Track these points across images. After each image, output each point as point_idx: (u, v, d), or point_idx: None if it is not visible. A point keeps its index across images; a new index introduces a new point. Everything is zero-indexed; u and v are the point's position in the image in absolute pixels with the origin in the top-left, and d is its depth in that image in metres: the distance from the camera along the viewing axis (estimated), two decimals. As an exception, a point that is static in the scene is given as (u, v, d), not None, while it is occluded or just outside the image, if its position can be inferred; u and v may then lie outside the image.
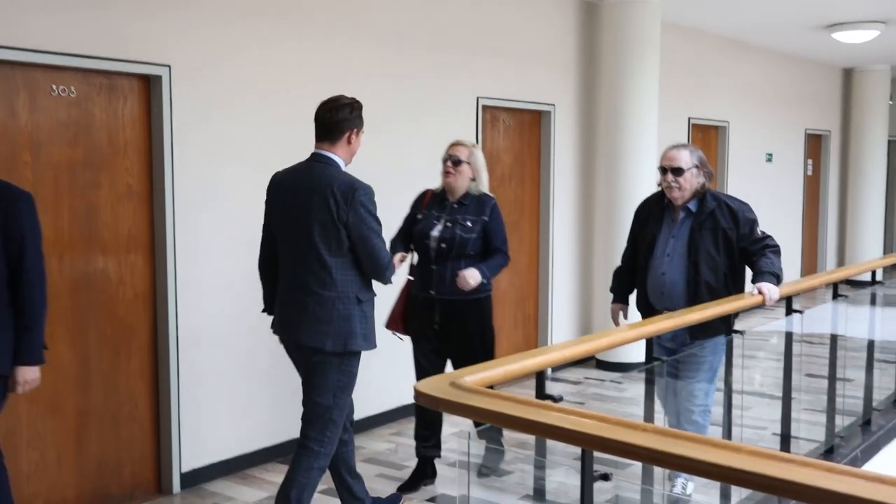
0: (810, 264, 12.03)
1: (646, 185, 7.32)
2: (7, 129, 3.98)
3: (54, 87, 4.13)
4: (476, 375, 2.65)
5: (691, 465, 1.95)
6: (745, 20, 8.60)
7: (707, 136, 9.57)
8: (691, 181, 4.17)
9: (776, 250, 4.16)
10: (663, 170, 4.21)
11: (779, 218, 10.95)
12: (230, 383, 4.88)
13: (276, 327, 3.81)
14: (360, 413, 5.43)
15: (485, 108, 6.55)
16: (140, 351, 4.55)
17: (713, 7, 8.00)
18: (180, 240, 4.58)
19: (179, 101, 4.53)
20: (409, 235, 4.52)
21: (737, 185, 9.91)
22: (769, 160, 10.70)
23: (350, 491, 3.99)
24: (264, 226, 3.82)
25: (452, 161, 4.44)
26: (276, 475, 4.88)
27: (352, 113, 3.61)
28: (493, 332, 4.58)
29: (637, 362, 7.25)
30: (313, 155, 3.67)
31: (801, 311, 4.69)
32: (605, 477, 2.34)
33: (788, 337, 4.60)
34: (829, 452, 4.85)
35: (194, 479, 4.71)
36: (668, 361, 4.08)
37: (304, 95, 5.17)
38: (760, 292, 3.97)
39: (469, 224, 4.38)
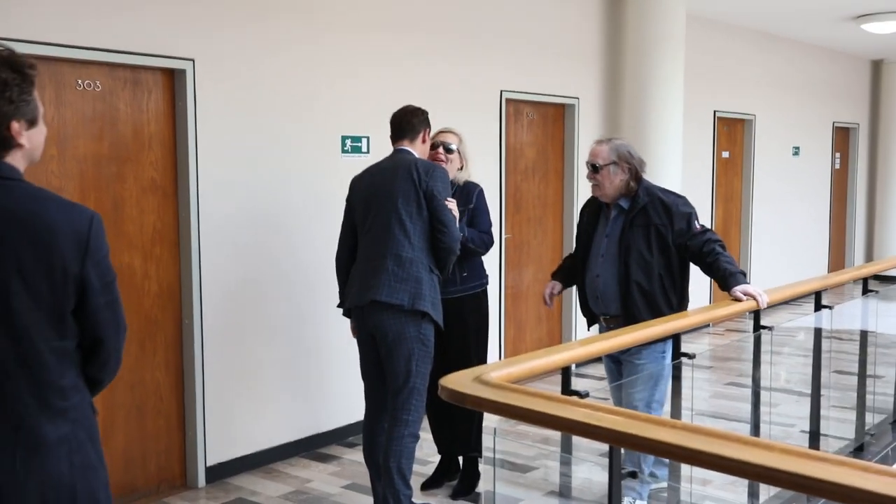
0: (837, 259, 11.88)
1: (670, 179, 7.25)
2: (33, 123, 4.00)
3: (80, 81, 4.15)
4: (501, 371, 2.63)
5: (722, 463, 1.92)
6: (772, 10, 8.49)
7: (733, 130, 9.47)
8: (610, 178, 3.92)
9: (723, 244, 3.87)
10: (587, 166, 4.04)
11: (805, 212, 10.83)
12: (255, 378, 4.89)
13: (352, 300, 3.96)
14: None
15: (508, 101, 6.51)
16: (165, 345, 4.57)
17: (740, -2, 7.90)
18: (205, 233, 4.59)
19: (203, 95, 4.54)
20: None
21: (763, 180, 9.81)
22: (796, 154, 10.58)
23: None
24: (344, 221, 4.11)
25: (446, 148, 4.33)
26: (300, 469, 4.89)
27: (422, 117, 4.10)
28: (488, 329, 4.54)
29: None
30: (396, 149, 4.06)
31: (830, 307, 4.62)
32: (633, 474, 2.31)
33: (817, 333, 4.53)
34: (858, 450, 4.78)
35: (219, 473, 4.72)
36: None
37: (326, 89, 5.18)
38: (748, 295, 3.69)
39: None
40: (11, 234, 1.86)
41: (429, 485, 4.60)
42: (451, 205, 3.95)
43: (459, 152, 4.38)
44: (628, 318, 3.86)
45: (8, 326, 1.88)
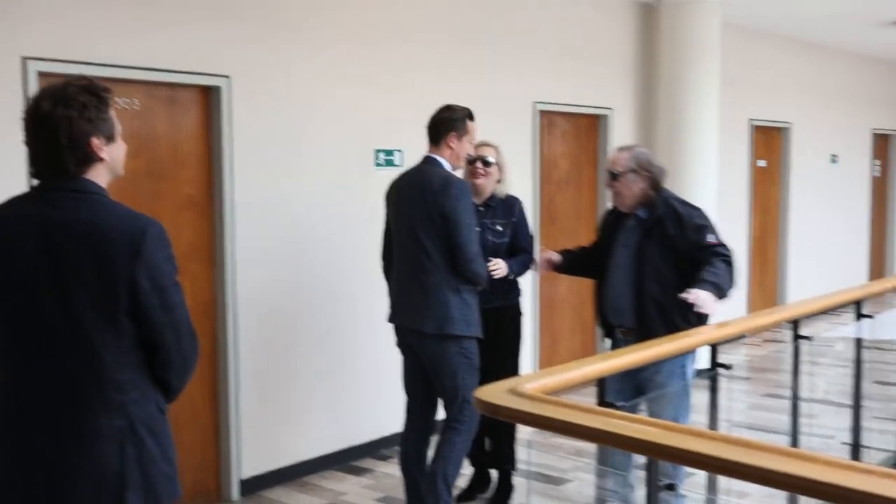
0: (878, 268, 11.67)
1: (707, 190, 7.18)
2: (72, 140, 4.06)
3: (119, 99, 4.21)
4: (536, 382, 2.60)
5: (764, 476, 1.88)
6: (808, 17, 8.39)
7: (769, 138, 9.36)
8: (628, 186, 3.85)
9: (727, 260, 3.68)
10: (607, 174, 3.97)
11: (844, 221, 10.67)
12: (289, 391, 4.90)
13: (390, 314, 4.01)
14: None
15: (542, 112, 6.50)
16: (200, 359, 4.57)
17: (775, 5, 7.81)
18: (240, 249, 4.62)
19: (239, 112, 4.58)
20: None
21: (800, 188, 9.69)
22: (834, 162, 10.43)
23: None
24: (385, 228, 4.10)
25: (484, 162, 4.30)
26: (334, 482, 4.89)
27: (449, 117, 3.88)
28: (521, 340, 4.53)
29: (697, 368, 7.10)
30: (424, 157, 3.94)
31: (871, 316, 4.53)
32: (671, 487, 2.28)
33: (858, 343, 4.45)
34: (902, 463, 4.68)
35: (254, 486, 4.74)
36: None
37: (362, 104, 5.21)
38: (693, 298, 3.48)
39: (500, 228, 4.31)
40: (74, 241, 2.07)
41: (462, 498, 4.58)
42: (494, 266, 3.95)
43: (498, 164, 4.37)
44: (643, 330, 3.75)
45: (70, 325, 2.08)
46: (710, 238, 3.75)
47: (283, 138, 4.83)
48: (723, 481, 3.58)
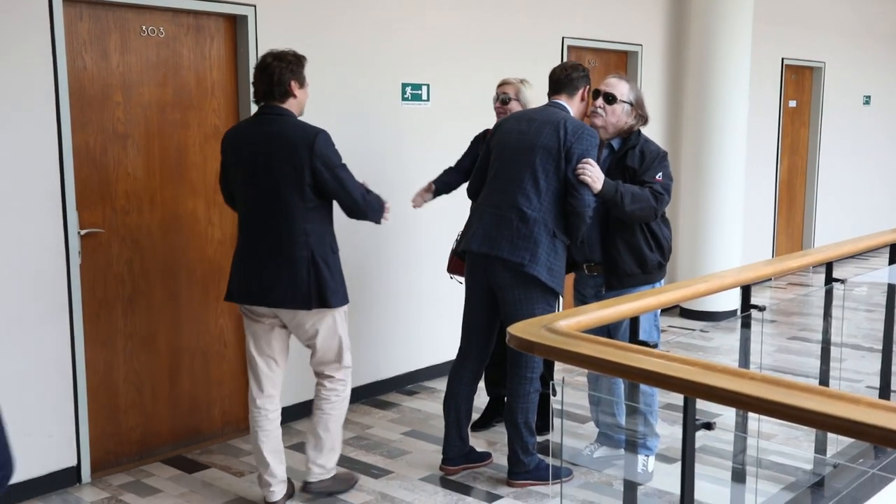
0: (906, 213, 11.51)
1: (737, 128, 7.05)
2: (100, 69, 4.02)
3: (144, 27, 4.14)
4: (570, 320, 2.58)
5: (806, 416, 1.85)
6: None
7: (801, 77, 9.15)
8: (620, 115, 3.89)
9: (655, 195, 3.78)
10: (597, 93, 3.94)
11: (876, 162, 10.49)
12: (315, 324, 4.91)
13: (468, 244, 3.87)
14: (439, 357, 5.45)
15: (570, 48, 6.36)
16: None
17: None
18: (267, 181, 4.58)
19: (265, 42, 4.49)
20: (466, 172, 4.44)
21: (832, 129, 9.51)
22: (867, 103, 10.21)
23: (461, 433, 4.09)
24: (482, 156, 4.06)
25: (501, 101, 4.38)
26: (361, 416, 4.94)
27: (585, 73, 3.96)
28: None
29: (721, 311, 7.09)
30: (550, 102, 3.94)
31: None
32: (708, 426, 2.26)
33: (891, 288, 4.39)
34: (929, 407, 4.66)
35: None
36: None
37: (389, 37, 5.11)
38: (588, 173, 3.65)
39: None
40: (276, 144, 3.46)
41: (478, 426, 4.66)
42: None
43: (518, 101, 4.35)
44: (609, 262, 3.88)
45: (276, 195, 3.47)
46: (658, 175, 3.84)
47: (310, 69, 4.72)
48: (752, 423, 3.58)
